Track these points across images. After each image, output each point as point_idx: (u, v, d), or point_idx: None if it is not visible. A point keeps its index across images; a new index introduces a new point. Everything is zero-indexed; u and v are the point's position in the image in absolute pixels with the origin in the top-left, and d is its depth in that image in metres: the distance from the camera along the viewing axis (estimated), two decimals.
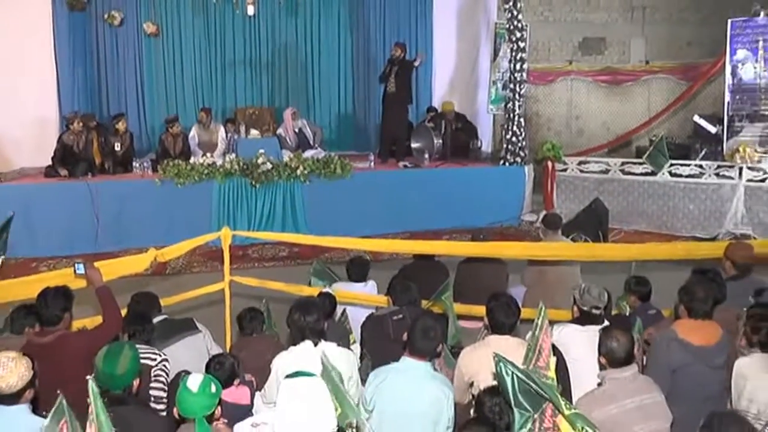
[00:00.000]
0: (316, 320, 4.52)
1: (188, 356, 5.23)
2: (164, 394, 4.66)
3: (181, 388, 3.50)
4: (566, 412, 3.24)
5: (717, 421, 3.28)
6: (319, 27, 14.50)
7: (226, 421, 3.88)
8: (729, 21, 11.99)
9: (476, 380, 4.44)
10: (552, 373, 4.01)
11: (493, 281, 6.95)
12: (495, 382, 3.89)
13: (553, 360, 4.02)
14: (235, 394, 4.61)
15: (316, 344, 4.45)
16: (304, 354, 4.39)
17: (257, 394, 4.77)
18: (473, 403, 4.15)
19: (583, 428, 3.19)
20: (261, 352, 5.08)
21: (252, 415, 4.45)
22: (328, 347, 4.44)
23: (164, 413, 4.49)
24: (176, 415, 3.56)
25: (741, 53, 11.93)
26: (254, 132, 11.77)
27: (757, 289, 5.69)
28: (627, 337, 4.22)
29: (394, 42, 12.98)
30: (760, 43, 11.70)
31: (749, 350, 4.52)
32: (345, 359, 4.49)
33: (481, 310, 4.99)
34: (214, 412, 3.56)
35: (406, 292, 5.61)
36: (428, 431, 4.11)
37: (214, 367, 4.61)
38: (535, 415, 3.40)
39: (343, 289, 6.68)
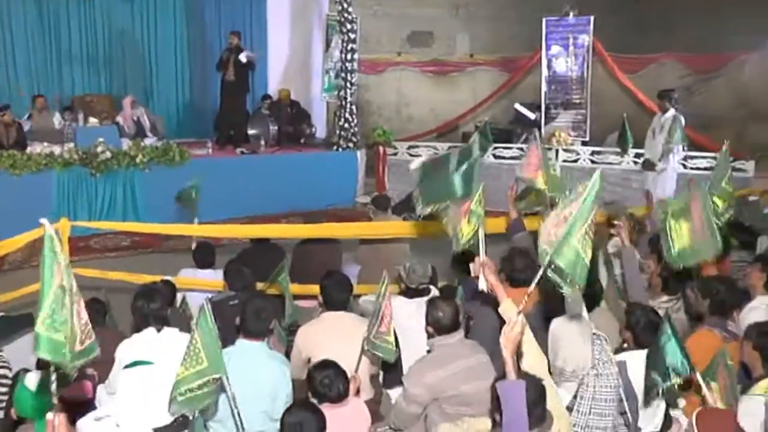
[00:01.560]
0: (159, 307, 4.47)
1: (30, 354, 5.06)
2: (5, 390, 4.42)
3: (18, 388, 3.36)
4: None
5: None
6: (155, 15, 14.21)
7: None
8: (544, 19, 12.94)
9: (313, 356, 4.54)
10: (392, 338, 4.41)
11: (327, 261, 6.97)
12: (328, 356, 4.19)
13: (393, 329, 4.36)
14: (76, 389, 4.36)
15: (159, 331, 4.39)
16: (148, 341, 4.36)
17: (101, 386, 4.59)
18: None
19: None
20: (104, 345, 4.89)
21: (95, 408, 4.30)
22: (171, 333, 4.42)
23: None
24: (14, 416, 3.41)
25: (555, 48, 12.91)
26: (93, 120, 11.42)
27: None
28: (451, 306, 4.41)
29: (230, 31, 12.99)
30: (571, 40, 12.70)
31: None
32: (186, 344, 4.37)
33: (317, 289, 5.11)
34: None
35: (240, 277, 5.64)
36: (267, 409, 4.17)
37: None
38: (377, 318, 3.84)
39: (189, 277, 6.64)
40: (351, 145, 12.81)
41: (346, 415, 4.02)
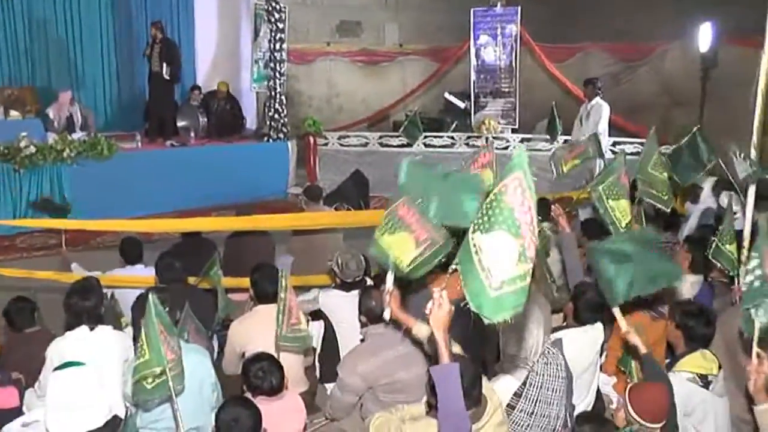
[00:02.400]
0: (94, 305, 4.45)
1: None
2: None
3: None
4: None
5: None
6: (78, 3, 13.71)
7: None
8: (472, 10, 13.16)
9: (247, 351, 4.60)
10: (304, 326, 4.44)
11: (259, 253, 7.04)
12: (262, 350, 4.22)
13: (303, 317, 4.43)
14: (1, 396, 4.33)
15: (92, 329, 4.39)
16: (80, 339, 4.35)
17: (29, 391, 4.53)
18: None
19: None
20: (35, 348, 4.73)
21: (23, 414, 4.17)
22: (104, 331, 4.43)
23: None
24: None
25: (483, 38, 13.13)
26: (14, 113, 11.03)
27: None
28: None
29: (151, 22, 12.75)
30: (499, 30, 12.94)
31: None
32: (120, 342, 4.50)
33: (249, 282, 5.18)
34: None
35: (170, 270, 5.59)
36: (196, 398, 4.16)
37: None
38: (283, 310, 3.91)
39: (121, 274, 6.46)
40: (281, 135, 12.72)
41: (281, 408, 4.06)
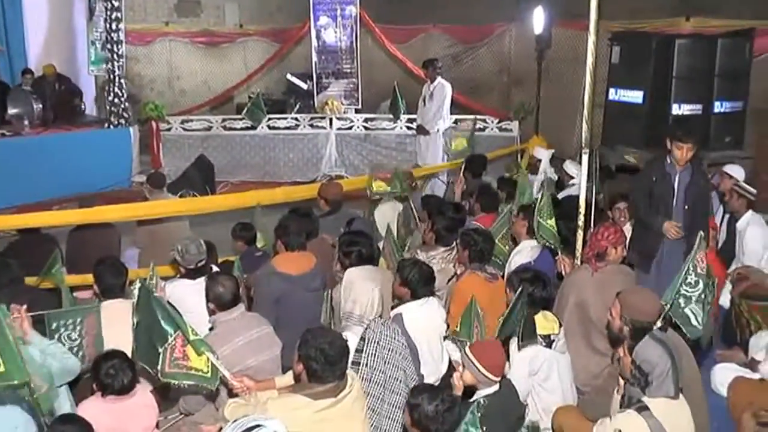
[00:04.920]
0: None
1: None
2: None
3: None
4: (191, 338, 3.67)
5: (311, 336, 3.64)
6: None
7: None
8: None
9: None
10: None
11: (104, 247, 6.93)
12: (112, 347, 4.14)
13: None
14: None
15: None
16: None
17: None
18: None
19: (206, 351, 3.72)
20: None
21: None
22: None
23: None
24: None
25: (323, 19, 13.23)
26: None
27: (347, 220, 6.63)
28: (231, 281, 4.57)
29: None
30: (338, 11, 13.04)
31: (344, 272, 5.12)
32: None
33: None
34: None
35: (5, 271, 5.26)
36: None
37: None
38: (168, 345, 3.73)
39: None
40: (123, 121, 12.30)
41: (132, 406, 4.02)
